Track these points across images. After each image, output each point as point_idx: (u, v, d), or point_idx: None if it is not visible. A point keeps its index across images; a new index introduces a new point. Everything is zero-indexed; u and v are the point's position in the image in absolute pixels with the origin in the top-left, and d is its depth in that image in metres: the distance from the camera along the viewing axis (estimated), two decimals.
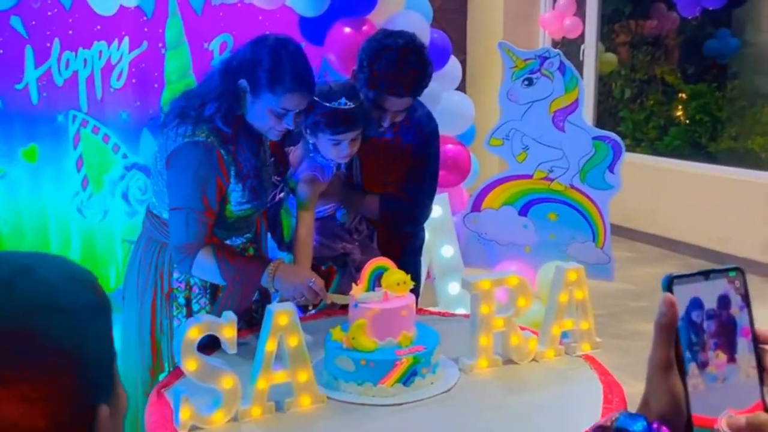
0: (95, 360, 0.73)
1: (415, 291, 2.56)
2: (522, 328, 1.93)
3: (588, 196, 3.16)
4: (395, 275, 1.83)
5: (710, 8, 5.33)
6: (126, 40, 3.05)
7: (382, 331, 1.76)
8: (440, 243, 3.22)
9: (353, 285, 1.82)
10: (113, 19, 2.99)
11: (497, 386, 1.79)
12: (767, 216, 5.16)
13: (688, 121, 6.65)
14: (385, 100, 2.16)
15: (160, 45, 3.10)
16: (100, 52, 3.04)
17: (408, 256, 2.43)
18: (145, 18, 3.06)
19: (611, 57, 6.96)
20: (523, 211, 3.22)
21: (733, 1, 5.36)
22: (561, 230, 3.18)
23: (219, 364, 1.61)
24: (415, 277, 2.52)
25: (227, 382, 1.60)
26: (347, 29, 3.05)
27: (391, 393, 1.71)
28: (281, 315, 1.63)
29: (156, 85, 3.11)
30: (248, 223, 2.15)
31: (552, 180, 3.18)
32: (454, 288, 3.20)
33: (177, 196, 1.97)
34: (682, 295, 0.70)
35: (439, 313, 2.37)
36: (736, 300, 0.72)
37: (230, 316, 1.60)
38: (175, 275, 2.07)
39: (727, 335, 0.72)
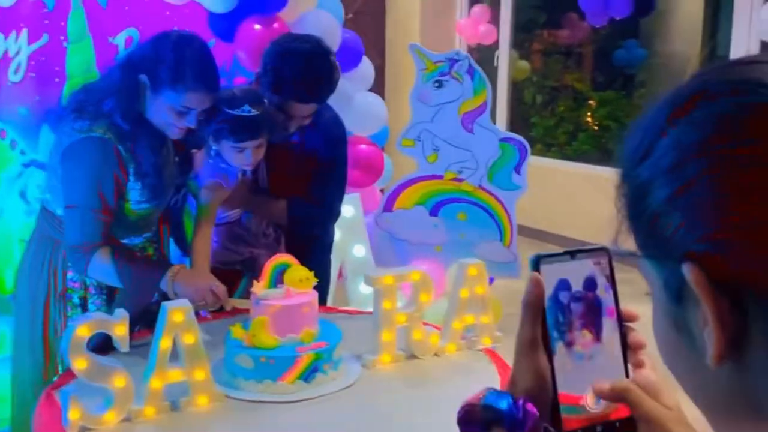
0: None
1: (325, 290, 2.56)
2: (425, 324, 1.95)
3: (495, 197, 3.22)
4: (298, 272, 1.82)
5: (617, 17, 5.52)
6: (25, 32, 2.92)
7: (283, 328, 1.74)
8: (352, 243, 3.23)
9: (255, 282, 1.80)
10: (11, 9, 2.86)
11: (399, 381, 1.80)
12: None
13: (596, 127, 6.88)
14: (290, 105, 2.15)
15: (62, 38, 2.98)
16: None
17: (317, 256, 2.42)
18: (46, 9, 2.94)
19: (524, 64, 7.13)
20: (434, 211, 3.26)
21: (640, 11, 5.58)
22: (470, 230, 3.24)
23: (110, 363, 1.55)
24: (325, 277, 2.52)
25: (119, 381, 1.55)
26: (257, 26, 3.02)
27: (292, 390, 1.70)
28: (176, 312, 1.59)
29: (57, 80, 2.99)
30: (148, 223, 2.09)
31: (462, 180, 3.23)
32: (365, 287, 3.20)
33: (72, 193, 1.91)
34: (549, 275, 0.71)
35: (347, 311, 2.37)
36: (601, 281, 0.74)
37: (122, 314, 1.55)
38: (70, 274, 2.00)
39: (593, 315, 0.74)
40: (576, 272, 0.73)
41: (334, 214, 2.47)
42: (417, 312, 1.89)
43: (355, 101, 3.26)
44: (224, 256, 2.26)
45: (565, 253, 0.73)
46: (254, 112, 2.01)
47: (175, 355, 1.61)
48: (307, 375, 1.72)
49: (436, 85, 3.16)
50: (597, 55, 7.88)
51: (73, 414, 1.50)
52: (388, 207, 3.29)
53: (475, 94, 3.16)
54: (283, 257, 1.84)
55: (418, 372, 1.85)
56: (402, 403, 1.69)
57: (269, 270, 1.82)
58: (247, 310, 1.86)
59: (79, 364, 1.51)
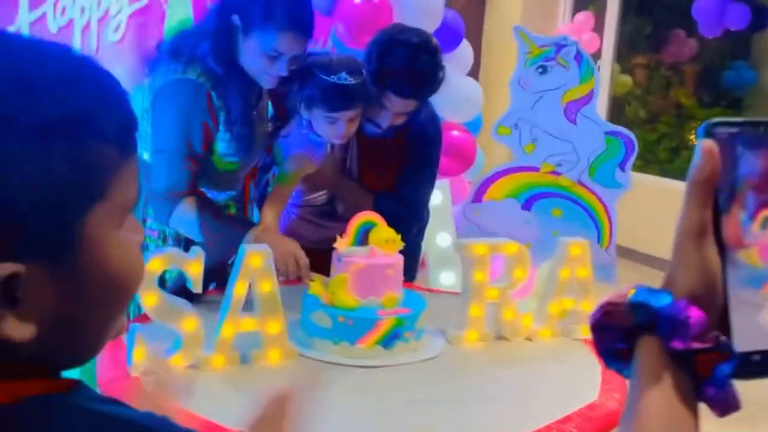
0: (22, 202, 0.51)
1: (411, 272, 2.42)
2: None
3: (596, 194, 3.02)
4: (384, 232, 1.68)
5: (733, 29, 5.20)
6: None
7: (365, 289, 1.61)
8: (437, 231, 3.07)
9: (338, 238, 1.67)
10: None
11: (485, 359, 1.64)
12: None
13: None
14: (388, 98, 2.01)
15: (163, 0, 2.97)
16: (99, 1, 2.92)
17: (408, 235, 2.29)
18: None
19: (626, 79, 6.85)
20: (527, 205, 3.08)
21: (757, 23, 5.24)
22: (565, 227, 3.03)
23: (182, 304, 1.45)
24: (414, 257, 2.37)
25: (189, 324, 1.45)
26: (357, 0, 2.93)
27: (369, 355, 1.56)
28: (254, 256, 1.48)
29: (155, 43, 2.98)
30: (233, 179, 2.00)
31: (560, 174, 3.04)
32: (447, 278, 3.04)
33: (161, 136, 1.84)
34: (725, 147, 0.55)
35: (428, 290, 2.22)
36: None
37: (197, 251, 1.45)
38: (149, 222, 1.93)
39: None
40: (758, 145, 0.56)
41: (420, 215, 2.31)
42: (510, 288, 1.72)
43: (450, 85, 3.12)
44: (317, 233, 2.15)
45: (746, 122, 0.56)
46: (351, 80, 1.88)
47: (249, 307, 1.50)
48: (387, 341, 1.58)
49: (540, 70, 2.99)
50: (704, 74, 7.48)
51: (138, 354, 1.41)
52: (478, 197, 3.13)
53: (582, 82, 2.97)
54: (369, 215, 1.71)
55: (506, 353, 1.68)
56: (487, 381, 1.53)
57: (354, 227, 1.69)
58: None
59: (149, 300, 1.42)
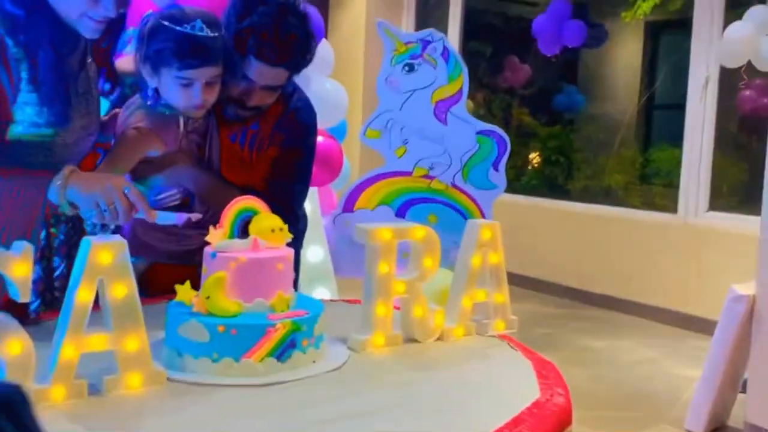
0: None
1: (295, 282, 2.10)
2: None
3: (470, 197, 2.86)
4: (268, 220, 1.38)
5: (570, 46, 5.39)
6: None
7: (249, 289, 1.29)
8: (307, 244, 2.78)
9: (211, 230, 1.35)
10: None
11: (398, 366, 1.36)
12: (630, 252, 5.15)
13: (544, 162, 6.72)
14: (252, 67, 1.72)
15: None
16: None
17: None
18: None
19: (468, 102, 6.98)
20: (401, 212, 2.86)
21: (591, 41, 5.47)
22: (442, 233, 2.81)
23: (4, 319, 1.07)
24: (295, 267, 2.05)
25: (14, 345, 1.06)
26: None
27: (260, 371, 1.24)
28: (103, 250, 1.12)
29: None
30: (53, 157, 1.50)
31: (432, 178, 2.85)
32: (322, 295, 2.75)
33: None
34: None
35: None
36: None
37: (23, 246, 1.07)
38: None
39: None
40: None
41: (297, 217, 2.01)
42: (419, 280, 1.47)
43: (311, 88, 2.87)
44: (176, 244, 1.79)
45: None
46: (208, 32, 1.58)
47: (94, 314, 1.14)
48: (281, 352, 1.27)
49: (407, 69, 2.81)
50: (538, 97, 7.80)
51: None
52: (348, 206, 2.87)
53: (450, 80, 2.82)
54: (248, 201, 1.39)
55: (421, 357, 1.41)
56: (406, 392, 1.25)
57: (230, 217, 1.37)
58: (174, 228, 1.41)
59: None
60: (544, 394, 1.21)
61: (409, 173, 2.86)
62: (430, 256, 1.47)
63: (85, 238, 1.13)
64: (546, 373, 1.32)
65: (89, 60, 1.59)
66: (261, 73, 1.72)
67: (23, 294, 1.07)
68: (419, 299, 1.47)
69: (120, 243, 1.14)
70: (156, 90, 1.63)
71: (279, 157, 1.86)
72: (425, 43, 2.80)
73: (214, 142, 1.82)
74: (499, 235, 1.56)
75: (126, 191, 1.38)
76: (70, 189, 1.37)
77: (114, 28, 1.55)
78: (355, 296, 2.62)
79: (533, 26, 5.42)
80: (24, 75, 1.41)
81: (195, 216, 1.46)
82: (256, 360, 1.24)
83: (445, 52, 2.80)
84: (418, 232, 1.46)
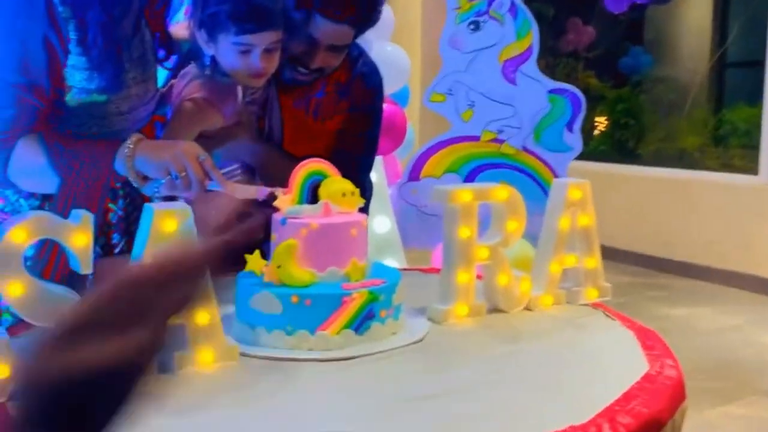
0: None
1: None
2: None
3: (543, 161, 2.72)
4: (339, 183, 1.28)
5: (639, 2, 5.12)
6: None
7: (322, 257, 1.20)
8: (373, 215, 2.68)
9: (279, 194, 1.26)
10: None
11: (485, 337, 1.25)
12: (708, 216, 4.91)
13: (613, 126, 6.47)
14: (315, 25, 1.59)
15: None
16: None
17: None
18: None
19: None
20: (469, 179, 2.75)
21: None
22: None
23: (63, 291, 1.00)
24: None
25: None
26: None
27: (337, 343, 1.15)
28: (166, 217, 1.04)
29: None
30: (109, 126, 1.43)
31: (502, 142, 2.72)
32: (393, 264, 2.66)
33: None
34: None
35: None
36: None
37: (83, 214, 1.00)
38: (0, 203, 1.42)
39: None
40: None
41: (364, 186, 1.89)
42: (503, 245, 1.36)
43: (372, 51, 2.76)
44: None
45: None
46: None
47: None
48: (359, 323, 1.17)
49: (472, 27, 2.67)
50: (602, 60, 7.50)
51: (2, 371, 0.94)
52: (414, 175, 2.77)
53: (519, 37, 2.67)
54: (317, 164, 1.30)
55: (508, 329, 1.30)
56: (498, 366, 1.14)
57: (299, 181, 1.28)
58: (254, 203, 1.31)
59: (14, 289, 0.96)
60: (653, 367, 1.09)
61: (476, 138, 2.74)
62: (514, 218, 1.35)
63: (147, 205, 1.06)
64: (651, 344, 1.19)
65: (143, 23, 1.50)
66: (325, 30, 1.60)
67: (84, 265, 1.00)
68: (503, 266, 1.35)
69: (184, 209, 1.06)
70: (213, 58, 1.53)
71: (344, 126, 1.75)
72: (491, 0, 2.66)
73: (275, 112, 1.71)
74: (589, 194, 1.43)
75: (201, 159, 1.29)
76: (139, 158, 1.27)
77: None
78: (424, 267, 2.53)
79: None
80: (73, 36, 1.32)
81: (280, 190, 1.34)
82: (333, 332, 1.15)
83: (513, 8, 2.65)
84: (501, 192, 1.35)
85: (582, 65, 7.25)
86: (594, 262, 1.45)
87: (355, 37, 1.67)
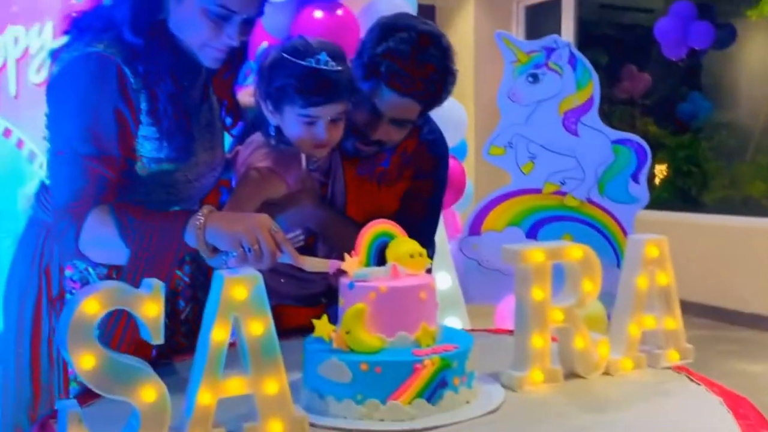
0: None
1: None
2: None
3: (609, 212, 2.65)
4: (406, 244, 1.25)
5: (698, 48, 5.05)
6: (49, 25, 2.51)
7: (391, 322, 1.16)
8: (434, 270, 2.64)
9: (346, 257, 1.23)
10: None
11: (567, 406, 1.19)
12: None
13: (675, 173, 6.32)
14: (381, 96, 1.57)
15: None
16: (16, 38, 2.50)
17: None
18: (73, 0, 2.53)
19: None
20: (532, 233, 2.68)
21: (720, 41, 5.10)
22: None
23: (135, 363, 0.98)
24: None
25: (149, 393, 0.97)
26: (318, 13, 2.57)
27: (409, 414, 1.11)
28: (237, 284, 1.03)
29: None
30: (176, 194, 1.46)
31: (565, 194, 2.67)
32: (453, 324, 2.60)
33: (59, 134, 1.32)
34: None
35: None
36: None
37: (154, 283, 0.99)
38: (68, 272, 1.43)
39: None
40: None
41: (430, 254, 1.84)
42: (578, 306, 1.30)
43: None
44: (298, 289, 1.69)
45: None
46: (334, 65, 1.45)
47: (233, 358, 1.04)
48: (432, 392, 1.13)
49: (531, 79, 2.65)
50: (660, 106, 7.39)
51: None
52: (474, 229, 2.72)
53: (579, 88, 2.64)
54: (383, 225, 1.27)
55: (590, 396, 1.24)
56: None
57: (366, 243, 1.25)
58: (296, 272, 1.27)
59: (86, 361, 0.94)
60: None
61: (538, 190, 2.69)
62: (589, 278, 1.30)
63: (216, 272, 1.04)
64: (744, 412, 1.11)
65: (210, 90, 1.52)
66: (390, 103, 1.57)
67: (155, 335, 0.98)
68: (580, 328, 1.29)
69: (254, 276, 1.04)
70: (277, 128, 1.52)
71: (408, 192, 1.72)
72: (549, 51, 2.64)
73: (338, 179, 1.70)
74: (667, 251, 1.37)
75: (273, 231, 1.27)
76: (210, 230, 1.25)
77: (235, 57, 1.48)
78: (485, 324, 2.46)
79: (655, 30, 5.12)
80: (144, 107, 1.34)
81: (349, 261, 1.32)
82: (405, 402, 1.11)
83: (572, 59, 2.62)
84: (575, 251, 1.29)
85: (639, 112, 7.15)
86: (674, 322, 1.37)
87: (421, 113, 1.64)
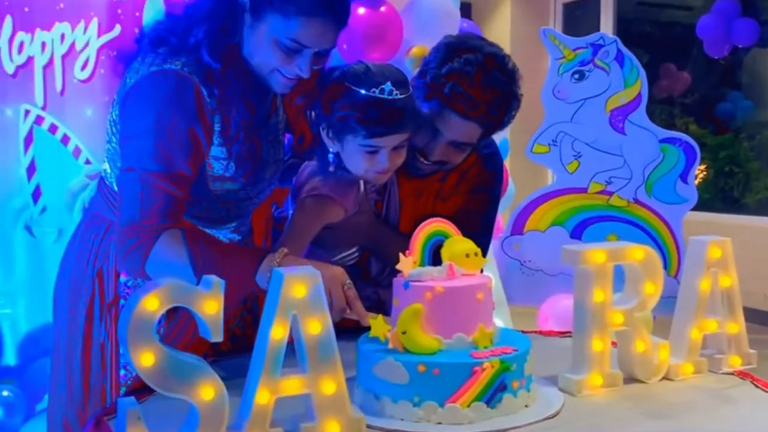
0: None
1: None
2: None
3: (656, 213, 2.59)
4: (462, 243, 1.22)
5: (741, 45, 4.94)
6: (94, 22, 2.52)
7: (448, 323, 1.14)
8: None
9: (401, 257, 1.21)
10: None
11: (629, 411, 1.16)
12: None
13: (716, 174, 6.19)
14: (443, 118, 1.53)
15: (137, 30, 2.56)
16: (63, 35, 2.51)
17: None
18: None
19: None
20: (577, 233, 2.64)
21: (765, 38, 4.98)
22: None
23: (194, 360, 0.97)
24: None
25: (207, 391, 0.96)
26: (362, 10, 2.55)
27: (468, 417, 1.08)
28: (297, 282, 1.01)
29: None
30: (236, 211, 1.49)
31: (611, 194, 2.62)
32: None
33: (131, 150, 1.32)
34: None
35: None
36: None
37: (213, 280, 0.98)
38: (123, 277, 1.43)
39: None
40: None
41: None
42: (640, 309, 1.26)
43: None
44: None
45: None
46: (398, 94, 1.41)
47: (291, 356, 1.03)
48: (491, 395, 1.10)
49: (577, 76, 2.60)
50: (699, 105, 7.26)
51: None
52: (517, 229, 2.69)
53: (627, 85, 2.59)
54: (438, 224, 1.25)
55: (652, 401, 1.20)
56: None
57: (420, 241, 1.23)
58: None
59: (145, 359, 0.93)
60: None
61: (584, 189, 2.64)
62: (651, 280, 1.26)
63: (276, 270, 1.02)
64: None
65: (278, 105, 1.52)
66: (451, 125, 1.54)
67: (214, 332, 0.97)
68: (641, 331, 1.26)
69: (314, 275, 1.02)
70: (337, 154, 1.48)
71: (462, 207, 1.67)
72: (596, 48, 2.59)
73: (393, 195, 1.67)
74: (730, 253, 1.33)
75: (346, 287, 1.27)
76: None
77: (308, 82, 1.45)
78: (528, 325, 2.42)
79: (698, 28, 5.02)
80: (217, 128, 1.35)
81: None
82: (464, 405, 1.08)
83: (620, 56, 2.57)
84: (637, 252, 1.25)
85: (679, 111, 7.02)
86: (737, 326, 1.33)
87: (482, 137, 1.60)
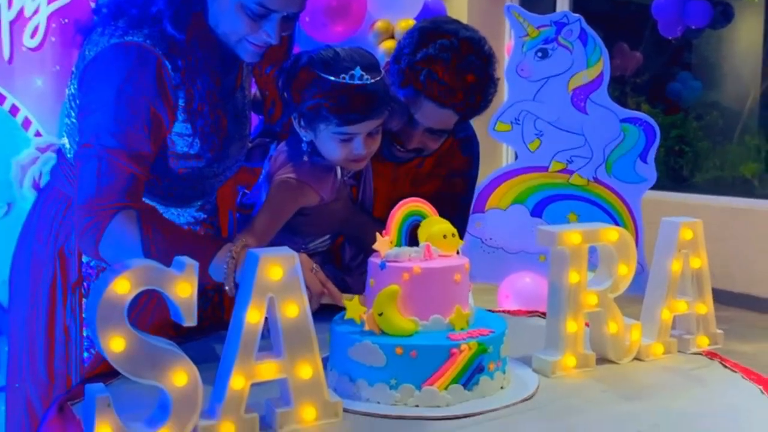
0: None
1: None
2: None
3: (615, 192, 2.62)
4: (438, 224, 1.20)
5: (694, 27, 5.01)
6: None
7: (425, 304, 1.12)
8: None
9: (378, 237, 1.18)
10: None
11: (603, 392, 1.16)
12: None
13: (667, 153, 6.31)
14: (418, 105, 1.50)
15: None
16: (10, 0, 2.39)
17: None
18: None
19: None
20: (537, 211, 2.65)
21: (717, 20, 5.07)
22: None
23: (166, 345, 0.93)
24: None
25: (180, 376, 0.92)
26: None
27: (446, 400, 1.07)
28: (273, 264, 0.97)
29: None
30: (200, 189, 1.43)
31: (572, 173, 2.63)
32: None
33: (89, 127, 1.26)
34: None
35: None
36: None
37: (186, 262, 0.94)
38: (86, 257, 1.37)
39: None
40: None
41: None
42: (613, 291, 1.26)
43: None
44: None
45: None
46: (369, 79, 1.37)
47: (263, 336, 0.99)
48: (468, 378, 1.09)
49: (540, 54, 2.59)
50: (650, 85, 7.37)
51: (103, 429, 0.88)
52: (478, 207, 2.68)
53: (590, 64, 2.59)
54: (415, 204, 1.22)
55: (626, 382, 1.20)
56: (624, 428, 1.05)
57: (397, 222, 1.20)
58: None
59: (115, 344, 0.89)
60: None
61: (545, 168, 2.65)
62: (624, 262, 1.26)
63: (251, 252, 0.99)
64: None
65: (243, 78, 1.46)
66: (427, 112, 1.51)
67: (187, 317, 0.93)
68: (613, 313, 1.26)
69: (290, 256, 0.99)
70: (310, 143, 1.44)
71: (439, 190, 1.64)
72: (560, 26, 2.58)
73: (368, 181, 1.64)
74: (701, 235, 1.34)
75: (313, 271, 1.22)
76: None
77: (278, 51, 1.40)
78: (489, 304, 2.43)
79: (653, 8, 5.07)
80: (181, 103, 1.29)
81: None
82: (441, 387, 1.07)
83: (583, 35, 2.57)
84: (611, 234, 1.25)
85: (629, 90, 7.12)
86: (705, 307, 1.35)
87: (458, 123, 1.58)
